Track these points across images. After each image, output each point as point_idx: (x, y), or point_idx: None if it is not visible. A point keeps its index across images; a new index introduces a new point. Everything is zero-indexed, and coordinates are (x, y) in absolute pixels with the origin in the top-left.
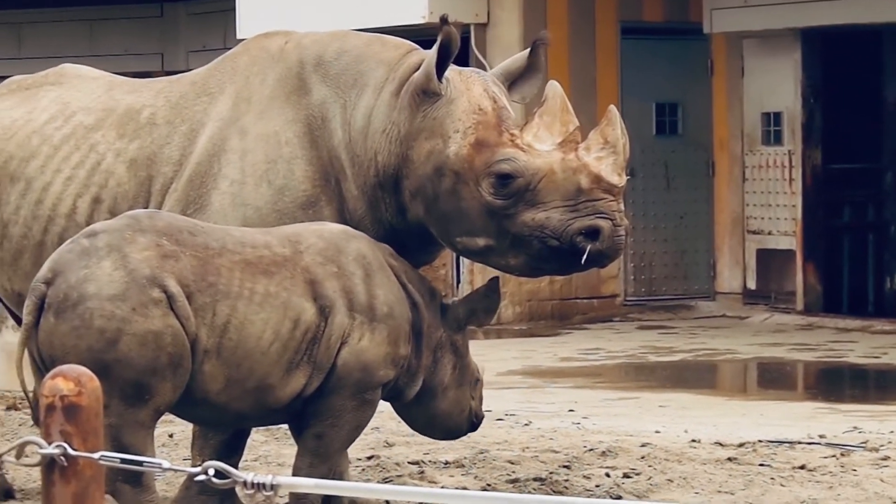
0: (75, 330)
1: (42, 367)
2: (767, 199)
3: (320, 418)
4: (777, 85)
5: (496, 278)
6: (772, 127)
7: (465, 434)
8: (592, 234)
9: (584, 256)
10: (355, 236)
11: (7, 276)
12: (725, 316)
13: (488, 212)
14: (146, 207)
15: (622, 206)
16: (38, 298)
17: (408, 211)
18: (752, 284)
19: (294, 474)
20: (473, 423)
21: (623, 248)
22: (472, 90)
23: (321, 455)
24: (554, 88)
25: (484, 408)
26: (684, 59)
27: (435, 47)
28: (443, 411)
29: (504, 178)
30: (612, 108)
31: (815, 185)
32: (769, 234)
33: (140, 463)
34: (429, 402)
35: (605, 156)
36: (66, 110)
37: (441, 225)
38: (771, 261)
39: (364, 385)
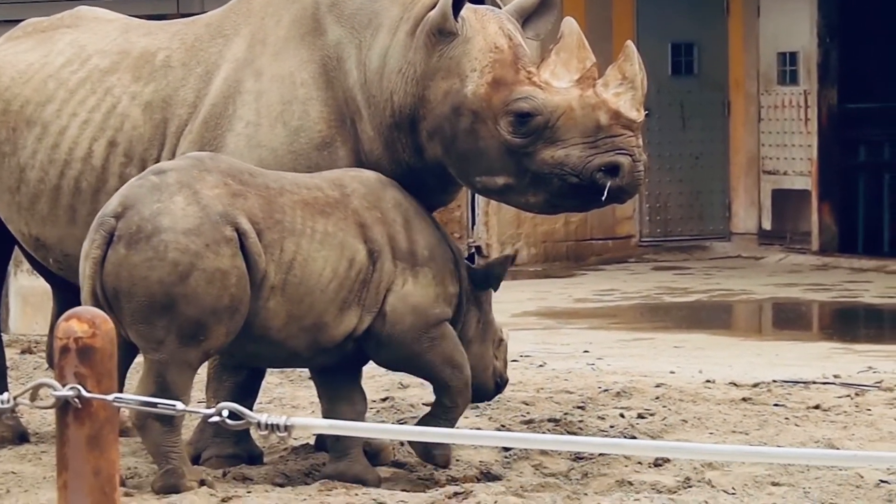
0: (148, 261)
1: (105, 301)
2: (783, 140)
3: (417, 374)
4: (793, 24)
5: (513, 256)
6: (787, 67)
7: (491, 396)
8: (612, 170)
9: (605, 192)
10: (390, 183)
11: (24, 220)
12: (740, 256)
13: (507, 150)
14: (161, 150)
15: (641, 142)
16: (107, 232)
17: (425, 151)
18: (767, 225)
19: (424, 423)
20: (498, 384)
21: (642, 183)
22: (487, 28)
23: (445, 401)
24: (570, 25)
25: None
26: None
27: None
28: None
29: (523, 116)
30: (630, 43)
31: (831, 124)
32: (784, 174)
33: (154, 405)
34: None
35: (623, 91)
36: (82, 54)
37: (460, 164)
38: (786, 201)
39: (421, 326)
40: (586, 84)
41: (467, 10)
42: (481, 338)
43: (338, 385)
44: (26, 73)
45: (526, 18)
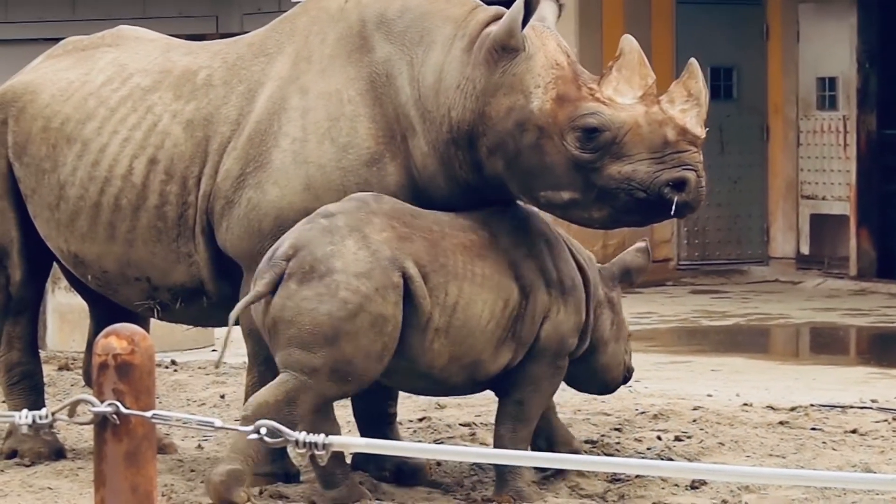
0: (319, 296)
1: (261, 335)
2: (822, 164)
3: (521, 386)
4: (832, 49)
5: (645, 240)
6: (827, 92)
7: (617, 388)
8: (680, 185)
9: (673, 207)
10: (530, 214)
11: (64, 237)
12: (778, 281)
13: (574, 165)
14: (203, 168)
15: (702, 158)
16: (277, 273)
17: (484, 167)
18: (805, 249)
19: (496, 441)
20: (626, 376)
21: (704, 199)
22: (547, 46)
23: (522, 420)
24: (630, 43)
25: None
26: (740, 23)
27: (518, 3)
28: (603, 365)
29: (591, 131)
30: (693, 60)
31: (870, 150)
32: (823, 199)
33: (192, 422)
34: (590, 357)
35: (689, 108)
36: (123, 72)
37: (523, 180)
38: (824, 226)
39: (559, 354)
40: (650, 101)
41: (527, 27)
42: (615, 337)
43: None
44: (67, 90)
45: None
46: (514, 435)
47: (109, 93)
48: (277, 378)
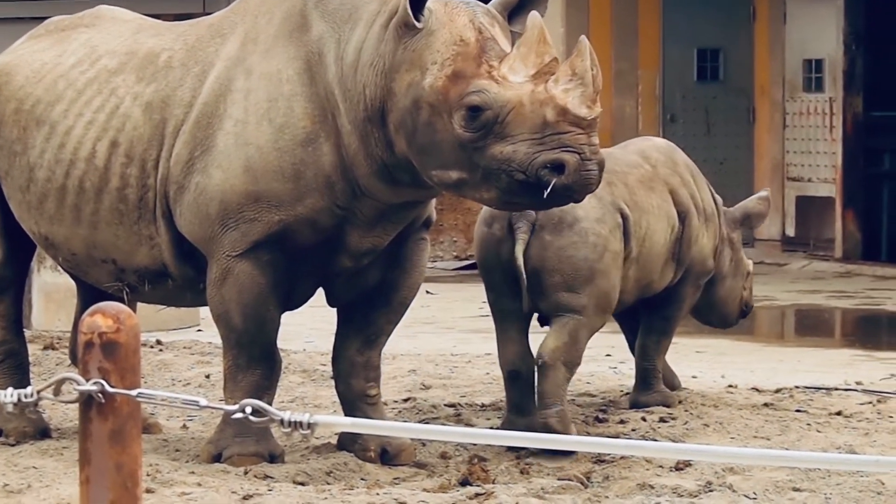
0: (573, 244)
1: (525, 280)
2: (808, 146)
3: (670, 303)
4: (819, 31)
5: (768, 189)
6: (813, 74)
7: (735, 322)
8: (557, 167)
9: (548, 190)
10: (675, 147)
11: (34, 219)
12: (764, 263)
13: (460, 145)
14: (160, 151)
15: (594, 140)
16: (531, 222)
17: (395, 145)
18: (791, 231)
19: (642, 350)
20: (744, 311)
21: (594, 182)
22: (455, 21)
23: (667, 332)
24: (533, 19)
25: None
26: (727, 5)
27: None
28: (720, 298)
29: (474, 110)
30: (583, 38)
31: (856, 132)
32: (809, 181)
33: (176, 399)
34: (710, 288)
35: (572, 87)
36: (93, 54)
37: (419, 158)
38: (810, 208)
39: (702, 275)
40: (541, 80)
41: (437, 2)
42: (733, 273)
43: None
44: (40, 72)
45: (511, 11)
46: (658, 346)
47: (78, 75)
48: (555, 324)
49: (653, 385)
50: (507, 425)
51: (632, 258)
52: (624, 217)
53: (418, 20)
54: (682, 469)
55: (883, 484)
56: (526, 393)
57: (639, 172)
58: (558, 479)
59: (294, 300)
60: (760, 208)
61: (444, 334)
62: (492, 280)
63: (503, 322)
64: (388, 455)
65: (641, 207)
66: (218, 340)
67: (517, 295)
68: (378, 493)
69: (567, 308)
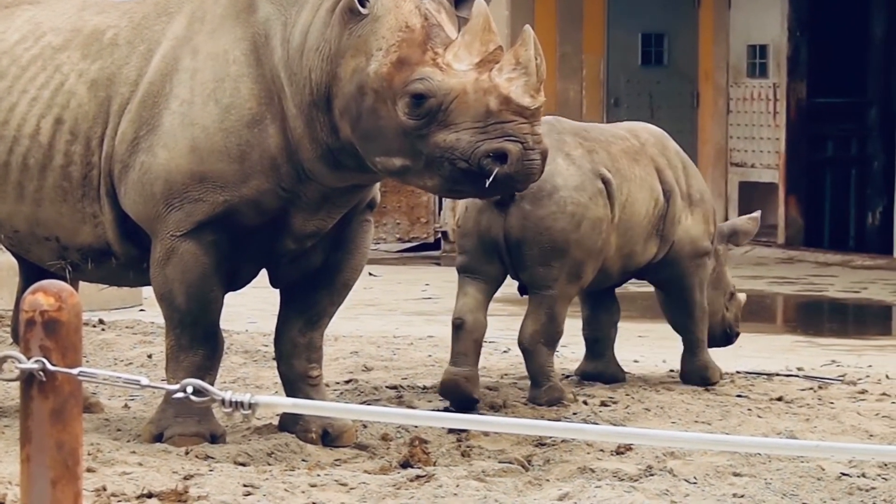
0: (552, 214)
1: (506, 251)
2: (751, 132)
3: (679, 280)
4: (763, 17)
5: (759, 211)
6: (757, 59)
7: (719, 344)
8: (500, 156)
9: (490, 179)
10: (667, 135)
11: None
12: None
13: (403, 132)
14: (105, 128)
15: (538, 129)
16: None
17: (340, 130)
18: (733, 217)
19: (670, 315)
20: (728, 334)
21: (537, 172)
22: (401, 7)
23: (694, 302)
24: (478, 6)
25: None
26: None
27: None
28: None
29: (418, 97)
30: (528, 27)
31: (800, 118)
32: (752, 166)
33: (118, 379)
34: None
35: (516, 77)
36: (37, 31)
37: (363, 144)
38: (753, 193)
39: (695, 252)
40: (485, 68)
41: None
42: (714, 285)
43: (601, 296)
44: None
45: None
46: (691, 318)
47: (22, 51)
48: (531, 303)
49: (697, 354)
50: (444, 376)
51: (615, 224)
52: (606, 181)
53: (364, 6)
54: (622, 453)
55: (823, 469)
56: (466, 346)
57: (624, 144)
58: (499, 462)
59: (237, 281)
60: (748, 227)
61: (387, 316)
62: (465, 244)
63: (464, 279)
64: (329, 436)
65: (623, 175)
66: (160, 320)
67: (488, 262)
68: (319, 475)
69: (542, 282)
